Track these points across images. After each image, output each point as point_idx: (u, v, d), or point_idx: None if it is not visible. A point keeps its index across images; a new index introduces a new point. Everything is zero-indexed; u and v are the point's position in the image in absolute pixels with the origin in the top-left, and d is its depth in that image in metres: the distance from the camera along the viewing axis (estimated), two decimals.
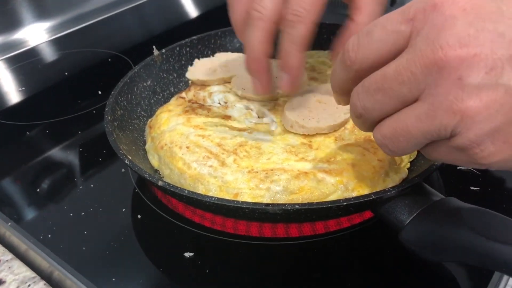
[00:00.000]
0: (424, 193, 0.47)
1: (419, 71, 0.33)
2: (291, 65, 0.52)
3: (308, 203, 0.44)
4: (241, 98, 0.66)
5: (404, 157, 0.57)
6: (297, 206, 0.44)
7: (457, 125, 0.32)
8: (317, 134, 0.58)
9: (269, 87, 0.56)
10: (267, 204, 0.45)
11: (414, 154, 0.58)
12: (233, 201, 0.46)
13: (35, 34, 1.03)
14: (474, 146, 0.33)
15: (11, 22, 1.00)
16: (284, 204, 0.45)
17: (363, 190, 0.51)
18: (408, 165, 0.57)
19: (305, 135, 0.57)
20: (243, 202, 0.45)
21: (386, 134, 0.37)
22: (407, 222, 0.45)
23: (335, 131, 0.58)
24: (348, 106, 0.44)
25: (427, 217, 0.44)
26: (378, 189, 0.51)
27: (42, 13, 1.04)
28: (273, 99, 0.65)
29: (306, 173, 0.52)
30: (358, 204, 0.45)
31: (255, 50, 0.52)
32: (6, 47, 0.99)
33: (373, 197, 0.45)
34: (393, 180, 0.53)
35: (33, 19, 1.03)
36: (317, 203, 0.44)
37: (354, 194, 0.51)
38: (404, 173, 0.55)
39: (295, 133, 0.58)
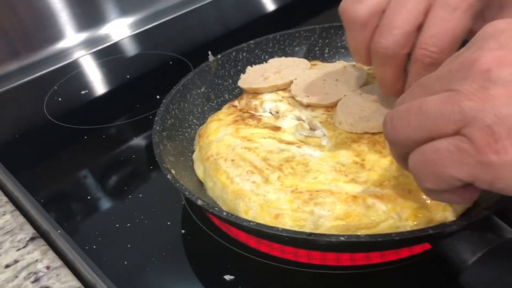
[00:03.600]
0: (494, 228, 0.40)
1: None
2: None
3: (355, 235, 0.40)
4: (293, 107, 0.62)
5: None
6: (342, 238, 0.40)
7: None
8: (372, 152, 0.53)
9: None
10: (309, 234, 0.41)
11: None
12: (271, 227, 0.42)
13: (96, 39, 1.06)
14: (488, 134, 0.30)
15: (58, 32, 1.02)
16: (328, 235, 0.40)
17: (419, 220, 0.45)
18: None
19: (358, 153, 0.53)
20: (282, 230, 0.42)
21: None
22: (470, 262, 0.39)
23: (373, 134, 0.55)
24: None
25: (496, 259, 0.38)
26: (436, 220, 0.45)
27: (120, 12, 1.07)
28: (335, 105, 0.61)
29: (355, 197, 0.47)
30: (413, 239, 0.40)
31: (391, 89, 0.51)
32: (68, 52, 1.01)
33: (431, 232, 0.40)
34: (455, 210, 0.47)
35: (115, 16, 1.06)
36: (365, 236, 0.40)
37: (409, 224, 0.45)
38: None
39: (348, 150, 0.53)
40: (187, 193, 0.48)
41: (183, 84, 0.67)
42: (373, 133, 0.55)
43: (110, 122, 0.78)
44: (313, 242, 0.41)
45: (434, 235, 0.40)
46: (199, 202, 0.46)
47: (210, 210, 0.45)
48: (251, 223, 0.43)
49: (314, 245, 0.43)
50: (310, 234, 0.41)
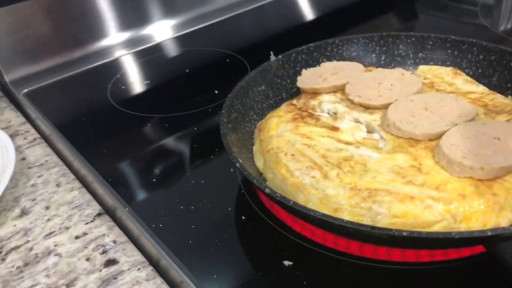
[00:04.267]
0: None
1: None
2: None
3: (416, 231, 0.43)
4: (351, 110, 0.65)
5: None
6: (404, 234, 0.43)
7: None
8: (429, 157, 0.55)
9: None
10: (373, 227, 0.44)
11: None
12: (337, 218, 0.46)
13: (161, 30, 1.12)
14: None
15: (141, 18, 1.08)
16: (391, 230, 0.43)
17: (473, 224, 0.48)
18: None
19: (415, 157, 0.55)
20: (347, 222, 0.45)
21: None
22: None
23: (430, 140, 0.57)
24: (451, 119, 0.56)
25: None
26: (489, 225, 0.48)
27: (168, 11, 1.12)
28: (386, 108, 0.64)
29: (412, 197, 0.50)
30: (471, 239, 0.43)
31: None
32: (135, 41, 1.07)
33: (489, 233, 0.42)
34: (508, 218, 0.49)
35: (160, 16, 1.11)
36: (427, 233, 0.43)
37: (463, 227, 0.48)
38: None
39: (405, 154, 0.56)
40: (255, 181, 0.51)
41: (246, 81, 0.70)
42: (430, 140, 0.57)
43: (171, 112, 0.82)
44: (376, 235, 0.44)
45: (492, 237, 0.42)
46: (267, 190, 0.50)
47: (278, 198, 0.49)
48: (317, 213, 0.46)
49: (374, 238, 0.46)
50: (374, 227, 0.44)
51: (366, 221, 0.50)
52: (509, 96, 0.68)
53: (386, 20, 1.14)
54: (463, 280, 0.50)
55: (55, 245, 0.59)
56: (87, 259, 0.57)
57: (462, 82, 0.70)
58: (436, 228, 0.49)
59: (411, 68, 0.78)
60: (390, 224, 0.49)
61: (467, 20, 1.09)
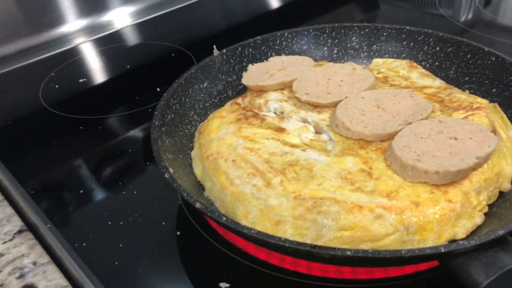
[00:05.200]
0: (509, 250, 0.38)
1: None
2: None
3: (362, 250, 0.37)
4: (299, 108, 0.60)
5: (481, 198, 0.48)
6: (348, 253, 0.37)
7: None
8: (380, 160, 0.50)
9: None
10: (313, 246, 0.38)
11: (495, 195, 0.49)
12: (274, 236, 0.40)
13: (94, 26, 1.02)
14: None
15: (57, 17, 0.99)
16: (333, 249, 0.38)
17: (427, 235, 0.43)
18: (486, 209, 0.48)
19: (365, 160, 0.50)
20: (285, 240, 0.39)
21: None
22: (483, 285, 0.37)
23: (382, 141, 0.52)
24: (405, 118, 0.52)
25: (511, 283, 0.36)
26: (445, 236, 0.43)
27: (123, 0, 1.04)
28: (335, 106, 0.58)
29: (361, 207, 0.45)
30: (423, 257, 0.38)
31: None
32: (68, 39, 0.98)
33: (443, 250, 0.37)
34: (465, 227, 0.44)
35: (117, 4, 1.03)
36: (373, 252, 0.37)
37: (416, 239, 0.43)
38: (479, 218, 0.46)
39: (355, 156, 0.51)
40: (185, 194, 0.45)
41: (186, 78, 0.64)
42: (382, 140, 0.53)
43: (107, 113, 0.75)
44: (317, 255, 0.38)
45: (446, 253, 0.37)
46: (197, 205, 0.43)
47: (209, 214, 0.42)
48: (252, 231, 0.40)
49: (317, 257, 0.41)
50: (314, 246, 0.38)
51: (310, 234, 0.45)
52: (467, 90, 0.63)
53: (346, 10, 1.09)
54: None
55: None
56: (1, 285, 0.50)
57: (418, 75, 0.66)
58: (387, 241, 0.44)
59: (365, 61, 0.73)
60: (336, 238, 0.44)
61: (428, 10, 1.05)
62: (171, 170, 0.48)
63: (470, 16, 1.01)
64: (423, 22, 1.02)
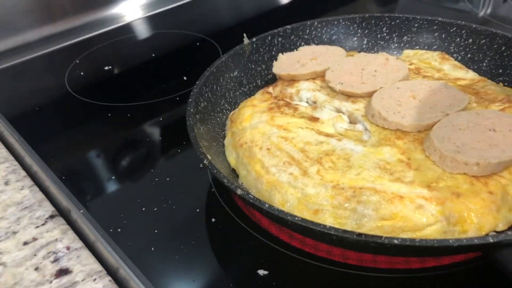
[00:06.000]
0: None
1: None
2: None
3: (409, 239, 0.37)
4: (332, 98, 0.59)
5: None
6: (395, 241, 0.37)
7: None
8: (418, 151, 0.50)
9: None
10: (359, 234, 0.38)
11: None
12: (318, 224, 0.40)
13: (129, 10, 1.02)
14: None
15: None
16: (380, 237, 0.38)
17: (468, 226, 0.43)
18: None
19: (403, 151, 0.50)
20: (330, 228, 0.39)
21: None
22: None
23: (419, 131, 0.52)
24: (442, 109, 0.51)
25: None
26: (486, 227, 0.43)
27: None
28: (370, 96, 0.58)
29: (401, 197, 0.45)
30: (473, 247, 0.37)
31: None
32: (98, 23, 0.98)
33: (491, 240, 0.37)
34: (506, 219, 0.44)
35: None
36: (420, 241, 0.37)
37: (457, 230, 0.43)
38: None
39: (392, 147, 0.51)
40: (225, 180, 0.45)
41: (217, 66, 0.64)
42: (419, 131, 0.52)
43: (135, 100, 0.75)
44: (363, 243, 0.38)
45: (494, 244, 0.37)
46: (239, 192, 0.43)
47: (251, 201, 0.42)
48: (296, 218, 0.40)
49: (362, 246, 0.41)
50: (360, 234, 0.38)
51: (351, 223, 0.45)
52: (500, 83, 0.63)
53: (363, 3, 1.08)
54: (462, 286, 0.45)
55: (0, 253, 0.52)
56: (36, 269, 0.50)
57: (451, 67, 0.65)
58: (428, 231, 0.43)
59: (395, 52, 0.72)
60: (377, 227, 0.44)
61: (446, 4, 1.04)
62: (209, 157, 0.48)
63: (489, 10, 1.00)
64: (441, 16, 1.01)
